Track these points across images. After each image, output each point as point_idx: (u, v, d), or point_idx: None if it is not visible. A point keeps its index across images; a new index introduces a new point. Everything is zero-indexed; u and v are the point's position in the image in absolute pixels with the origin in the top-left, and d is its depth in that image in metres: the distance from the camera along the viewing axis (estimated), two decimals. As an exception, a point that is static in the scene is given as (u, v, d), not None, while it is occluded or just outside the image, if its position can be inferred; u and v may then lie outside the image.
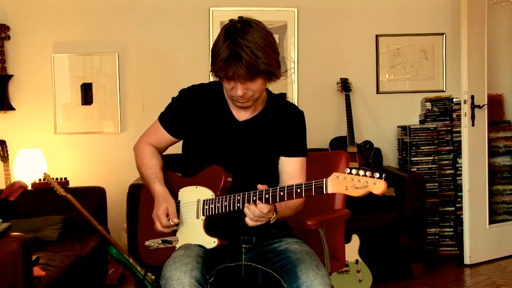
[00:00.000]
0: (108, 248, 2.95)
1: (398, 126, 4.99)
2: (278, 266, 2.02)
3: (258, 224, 1.97)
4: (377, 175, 1.65)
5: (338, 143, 4.55)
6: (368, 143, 4.65)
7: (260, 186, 1.93)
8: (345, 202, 2.65)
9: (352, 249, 3.76)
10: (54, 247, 3.26)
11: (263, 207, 1.90)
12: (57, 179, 3.93)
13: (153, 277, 2.73)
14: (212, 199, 2.06)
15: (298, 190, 1.79)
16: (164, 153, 2.42)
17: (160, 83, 4.83)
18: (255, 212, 1.92)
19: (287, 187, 1.84)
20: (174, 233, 2.19)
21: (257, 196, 1.91)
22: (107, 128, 4.74)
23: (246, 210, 1.94)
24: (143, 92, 4.84)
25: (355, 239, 3.80)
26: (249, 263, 2.15)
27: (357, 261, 3.76)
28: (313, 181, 1.74)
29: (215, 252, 2.10)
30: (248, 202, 1.91)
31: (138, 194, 2.42)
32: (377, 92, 5.05)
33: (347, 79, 4.88)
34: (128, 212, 3.69)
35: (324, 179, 1.74)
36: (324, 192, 1.72)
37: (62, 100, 4.68)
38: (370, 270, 3.77)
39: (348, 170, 1.68)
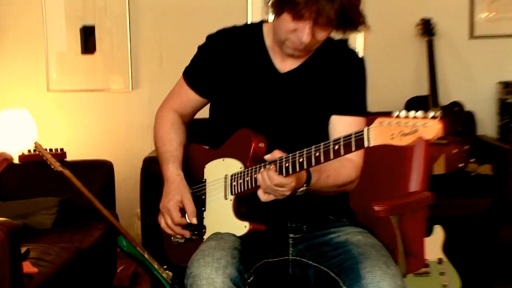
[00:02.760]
0: (117, 239, 2.99)
1: (499, 83, 4.92)
2: (335, 263, 2.06)
3: (270, 199, 2.00)
4: (431, 114, 1.66)
5: (416, 104, 4.52)
6: (456, 105, 4.61)
7: (277, 153, 1.98)
8: (427, 182, 2.65)
9: (434, 245, 3.76)
10: (48, 237, 3.34)
11: (273, 176, 1.95)
12: (51, 150, 3.94)
13: (170, 273, 2.80)
14: (241, 173, 2.11)
15: (336, 147, 1.81)
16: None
17: (182, 27, 4.86)
18: (266, 181, 1.96)
19: (323, 144, 1.85)
20: (199, 224, 2.26)
21: (290, 161, 1.93)
22: (114, 84, 4.82)
23: (258, 177, 1.99)
24: (161, 38, 4.85)
25: (439, 232, 3.81)
26: (298, 258, 2.19)
27: (440, 260, 3.77)
28: (353, 133, 1.76)
29: (254, 243, 2.13)
30: (281, 171, 1.94)
31: (155, 170, 2.47)
32: (471, 36, 4.99)
33: (430, 19, 4.82)
34: (142, 193, 3.77)
35: (366, 128, 1.75)
36: (366, 145, 1.73)
37: (56, 48, 4.75)
38: (458, 273, 3.76)
39: (396, 113, 1.70)
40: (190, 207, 2.20)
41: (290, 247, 2.24)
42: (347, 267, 2.01)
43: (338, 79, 2.22)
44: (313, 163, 1.89)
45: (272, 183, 1.95)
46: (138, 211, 4.18)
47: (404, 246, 2.43)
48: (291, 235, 2.25)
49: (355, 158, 2.20)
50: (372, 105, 2.31)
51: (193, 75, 2.32)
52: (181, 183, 2.25)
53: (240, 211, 2.15)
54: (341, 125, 2.21)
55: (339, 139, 1.81)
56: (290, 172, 1.93)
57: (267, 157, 2.00)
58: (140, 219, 4.03)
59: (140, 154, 4.20)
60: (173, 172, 2.26)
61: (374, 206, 2.32)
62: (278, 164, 1.95)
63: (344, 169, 2.19)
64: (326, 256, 2.12)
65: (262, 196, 2.01)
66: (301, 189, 2.03)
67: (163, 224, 2.26)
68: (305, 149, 1.90)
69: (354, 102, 2.25)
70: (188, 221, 2.21)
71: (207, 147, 2.33)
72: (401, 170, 2.64)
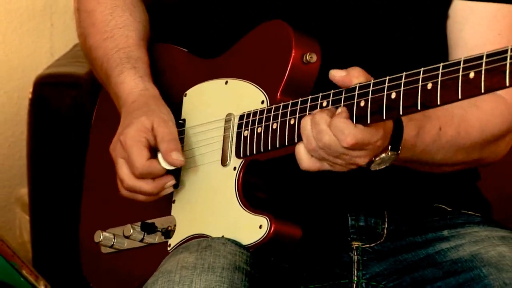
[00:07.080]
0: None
1: None
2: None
3: (318, 168, 1.36)
4: None
5: None
6: None
7: (357, 73, 1.34)
8: None
9: None
10: None
11: (346, 125, 1.30)
12: None
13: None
14: (263, 112, 1.50)
15: (471, 75, 1.13)
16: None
17: None
18: (324, 136, 1.33)
19: (444, 66, 1.20)
20: (166, 208, 1.64)
21: (373, 97, 1.31)
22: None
23: (305, 123, 1.37)
24: None
25: None
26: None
27: None
28: (509, 47, 1.11)
29: (281, 262, 1.55)
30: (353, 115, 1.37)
31: (63, 102, 2.28)
32: None
33: None
34: (31, 152, 2.85)
35: None
36: None
37: None
38: None
39: None
40: (167, 132, 1.52)
41: (356, 269, 1.59)
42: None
43: None
44: (420, 104, 1.25)
45: (344, 140, 1.31)
46: (22, 193, 3.19)
47: None
48: (355, 243, 1.59)
49: (508, 95, 1.56)
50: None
51: None
52: (152, 99, 1.59)
53: (254, 194, 1.52)
54: (477, 21, 1.56)
55: (478, 57, 1.16)
56: (368, 120, 1.31)
57: (338, 77, 1.33)
58: (27, 208, 2.93)
59: (23, 70, 3.33)
60: (135, 86, 1.60)
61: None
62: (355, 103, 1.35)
63: (479, 113, 1.49)
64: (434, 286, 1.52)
65: (306, 160, 1.37)
66: (382, 156, 1.37)
67: (122, 187, 1.59)
68: (403, 74, 1.26)
69: None
70: (163, 165, 1.52)
71: (185, 51, 1.73)
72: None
